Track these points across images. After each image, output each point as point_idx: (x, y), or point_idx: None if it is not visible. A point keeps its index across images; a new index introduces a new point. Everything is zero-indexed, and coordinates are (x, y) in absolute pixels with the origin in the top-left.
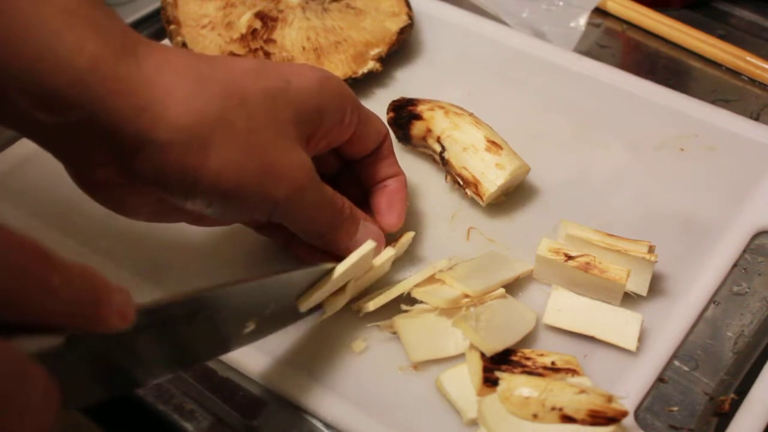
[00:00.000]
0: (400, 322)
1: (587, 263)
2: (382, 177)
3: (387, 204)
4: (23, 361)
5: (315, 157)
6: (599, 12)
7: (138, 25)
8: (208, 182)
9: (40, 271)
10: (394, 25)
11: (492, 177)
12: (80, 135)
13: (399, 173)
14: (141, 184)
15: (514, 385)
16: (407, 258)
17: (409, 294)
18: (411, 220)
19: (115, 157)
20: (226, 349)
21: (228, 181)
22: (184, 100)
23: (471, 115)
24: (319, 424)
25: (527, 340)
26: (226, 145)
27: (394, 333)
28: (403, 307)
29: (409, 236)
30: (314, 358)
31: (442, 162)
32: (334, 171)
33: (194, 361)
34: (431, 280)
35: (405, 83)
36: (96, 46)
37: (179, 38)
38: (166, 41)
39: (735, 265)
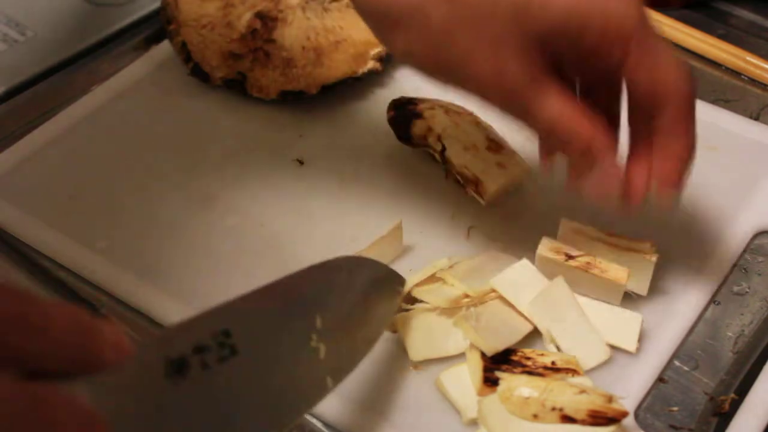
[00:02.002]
0: (400, 320)
1: (588, 263)
2: (664, 156)
3: (663, 167)
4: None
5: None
6: None
7: (138, 25)
8: (394, 52)
9: (21, 312)
10: None
11: (493, 176)
12: None
13: (685, 148)
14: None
15: (515, 385)
16: (407, 257)
17: (409, 293)
18: (411, 219)
19: None
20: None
21: (411, 61)
22: None
23: (472, 114)
24: (319, 424)
25: (528, 340)
26: (413, 34)
27: (395, 332)
28: (404, 305)
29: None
30: None
31: (442, 161)
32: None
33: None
34: (432, 279)
35: (405, 83)
36: None
37: (179, 38)
38: (165, 41)
39: (735, 265)
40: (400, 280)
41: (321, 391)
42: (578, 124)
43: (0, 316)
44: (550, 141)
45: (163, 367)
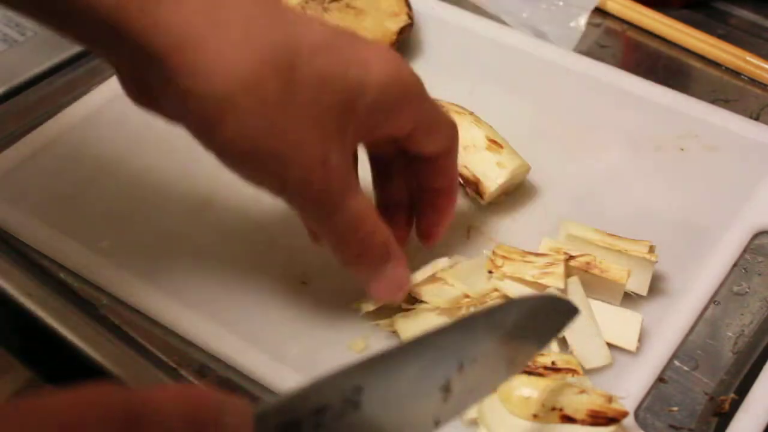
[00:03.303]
0: (400, 321)
1: (588, 263)
2: (432, 187)
3: (428, 219)
4: None
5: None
6: (599, 12)
7: None
8: (220, 140)
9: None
10: (394, 25)
11: (493, 176)
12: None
13: (451, 188)
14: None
15: (514, 385)
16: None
17: (409, 293)
18: None
19: (146, 85)
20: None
21: (240, 148)
22: (223, 53)
23: (471, 114)
24: None
25: None
26: (248, 114)
27: (394, 332)
28: (404, 305)
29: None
30: (314, 357)
31: None
32: (384, 153)
33: None
34: (432, 279)
35: None
36: None
37: None
38: None
39: (735, 265)
40: (569, 311)
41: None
42: (378, 220)
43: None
44: (344, 238)
45: None
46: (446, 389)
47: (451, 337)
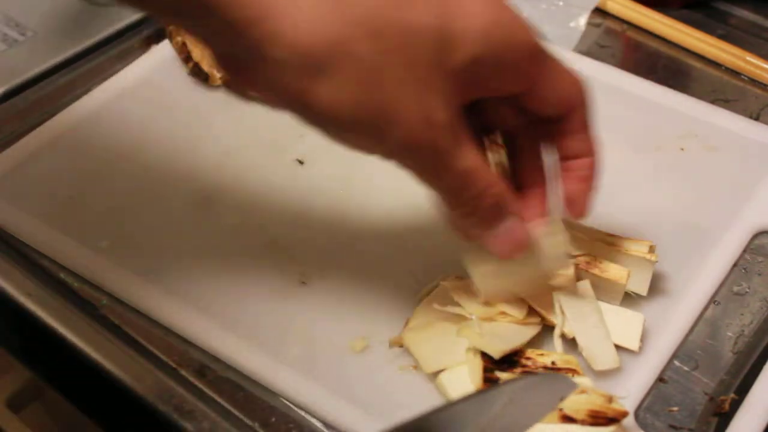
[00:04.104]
0: (408, 337)
1: (588, 263)
2: (567, 153)
3: (569, 190)
4: None
5: (483, 104)
6: (599, 12)
7: (138, 25)
8: (317, 109)
9: None
10: None
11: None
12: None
13: (589, 153)
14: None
15: None
16: (406, 255)
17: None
18: (411, 217)
19: (238, 61)
20: None
21: (338, 114)
22: (307, 18)
23: None
24: (319, 424)
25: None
26: (343, 76)
27: (401, 347)
28: (437, 306)
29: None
30: (314, 357)
31: None
32: (510, 124)
33: None
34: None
35: None
36: None
37: (179, 38)
38: (165, 41)
39: (735, 265)
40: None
41: None
42: (491, 176)
43: None
44: (456, 196)
45: None
46: None
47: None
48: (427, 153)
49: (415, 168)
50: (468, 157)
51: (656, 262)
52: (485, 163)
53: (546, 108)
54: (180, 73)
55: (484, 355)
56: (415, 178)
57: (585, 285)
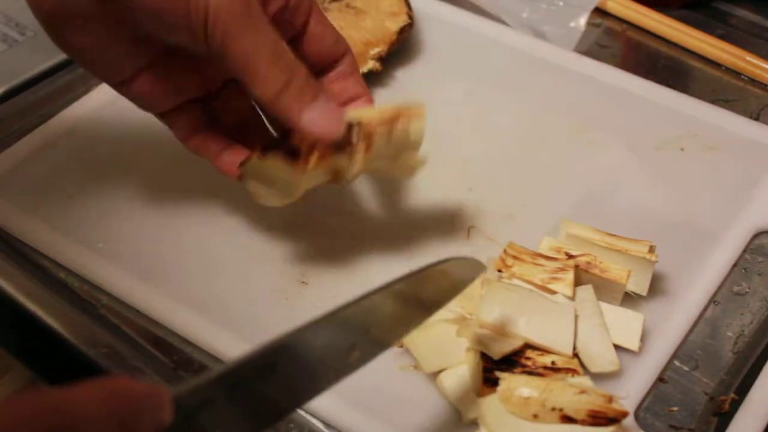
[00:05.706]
0: (408, 337)
1: (588, 263)
2: (346, 98)
3: (338, 89)
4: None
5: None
6: (599, 12)
7: None
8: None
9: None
10: (394, 25)
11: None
12: None
13: (364, 94)
14: None
15: (515, 385)
16: (406, 254)
17: None
18: (411, 217)
19: None
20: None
21: (147, 7)
22: None
23: None
24: (319, 424)
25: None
26: None
27: (401, 347)
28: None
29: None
30: None
31: None
32: None
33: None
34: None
35: (405, 83)
36: None
37: None
38: None
39: (735, 265)
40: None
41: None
42: (290, 54)
43: None
44: (274, 60)
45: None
46: (353, 348)
47: (354, 309)
48: (249, 24)
49: (234, 43)
50: (273, 31)
51: (656, 262)
52: (284, 43)
53: (323, 51)
54: None
55: (484, 355)
56: (236, 66)
57: (587, 290)
